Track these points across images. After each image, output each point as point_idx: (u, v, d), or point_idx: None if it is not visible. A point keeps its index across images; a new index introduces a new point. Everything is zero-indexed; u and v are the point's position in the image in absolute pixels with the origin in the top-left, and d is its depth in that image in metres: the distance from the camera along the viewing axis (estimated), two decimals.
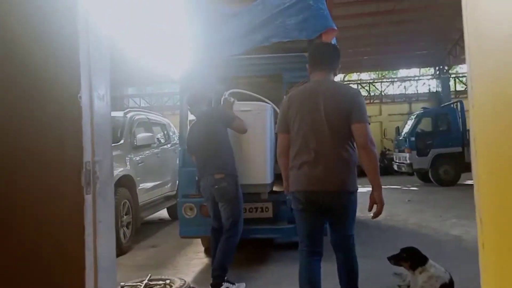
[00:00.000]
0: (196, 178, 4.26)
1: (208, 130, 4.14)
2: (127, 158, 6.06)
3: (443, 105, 16.22)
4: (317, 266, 2.89)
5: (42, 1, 1.27)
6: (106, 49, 1.44)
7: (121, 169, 5.73)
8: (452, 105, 13.91)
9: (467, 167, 12.38)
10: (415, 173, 13.38)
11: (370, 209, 2.86)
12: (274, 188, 4.84)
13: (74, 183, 1.19)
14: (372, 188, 2.82)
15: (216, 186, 3.99)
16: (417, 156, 12.58)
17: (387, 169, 16.56)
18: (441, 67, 20.49)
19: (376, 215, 2.82)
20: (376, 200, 2.80)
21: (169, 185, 7.62)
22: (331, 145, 2.72)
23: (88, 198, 1.22)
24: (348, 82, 23.02)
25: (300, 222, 2.94)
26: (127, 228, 5.77)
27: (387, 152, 17.64)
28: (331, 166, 2.72)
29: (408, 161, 12.78)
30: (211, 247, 4.33)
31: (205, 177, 4.10)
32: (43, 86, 1.23)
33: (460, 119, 12.70)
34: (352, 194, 2.82)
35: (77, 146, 1.20)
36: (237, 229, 4.06)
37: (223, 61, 5.02)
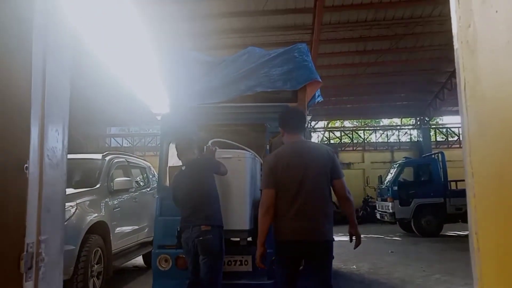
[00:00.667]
0: (178, 229, 4.06)
1: (197, 179, 4.03)
2: (102, 203, 5.82)
3: (424, 155, 16.42)
4: None
5: None
6: (66, 103, 1.29)
7: (95, 215, 5.48)
8: (433, 156, 14.07)
9: (449, 218, 12.41)
10: (397, 222, 13.28)
11: (351, 241, 3.37)
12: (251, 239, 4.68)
13: (12, 270, 1.02)
14: (351, 227, 3.34)
15: (201, 238, 3.83)
16: (399, 206, 12.54)
17: (369, 217, 16.44)
18: (421, 118, 20.94)
19: (357, 245, 3.33)
20: (354, 234, 3.34)
21: (146, 231, 7.33)
22: (316, 200, 3.09)
23: (28, 286, 1.04)
24: (331, 129, 23.29)
25: (281, 272, 3.20)
26: (98, 278, 5.44)
27: (370, 200, 17.57)
28: (317, 219, 3.07)
29: (391, 210, 12.72)
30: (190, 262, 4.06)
31: (189, 228, 3.92)
32: None
33: (442, 170, 12.81)
34: (332, 242, 3.19)
35: (19, 226, 1.03)
36: (217, 285, 3.89)
37: (206, 107, 4.96)
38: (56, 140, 1.20)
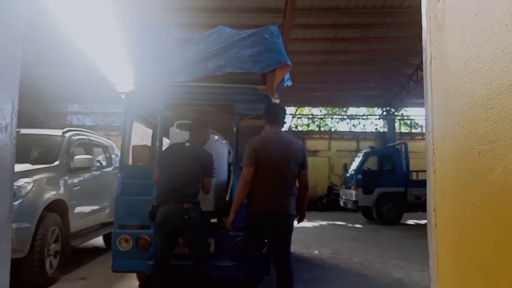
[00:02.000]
0: (154, 204, 4.01)
1: (194, 161, 4.09)
2: (61, 181, 5.63)
3: (388, 145, 16.81)
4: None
5: None
6: (16, 63, 1.19)
7: (53, 192, 5.30)
8: (397, 146, 14.43)
9: (409, 207, 12.83)
10: (360, 210, 13.60)
11: (297, 219, 4.03)
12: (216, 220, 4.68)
13: None
14: (302, 209, 4.03)
15: (186, 216, 3.88)
16: (363, 194, 12.83)
17: (333, 205, 16.76)
18: (388, 108, 21.38)
19: (300, 222, 4.11)
20: (302, 215, 4.07)
21: (107, 211, 7.17)
22: (287, 184, 3.74)
23: None
24: (300, 116, 23.45)
25: (250, 241, 3.79)
26: (55, 257, 5.29)
27: (334, 187, 17.90)
28: (285, 197, 3.73)
29: (354, 198, 13.00)
30: (155, 274, 4.03)
31: (170, 203, 3.91)
32: None
33: (404, 160, 13.17)
34: (294, 217, 3.90)
35: None
36: (208, 258, 4.12)
37: (173, 86, 4.84)
38: (5, 101, 1.11)
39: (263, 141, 3.83)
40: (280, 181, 3.70)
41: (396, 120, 22.05)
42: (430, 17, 0.97)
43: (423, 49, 1.11)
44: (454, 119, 0.84)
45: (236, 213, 3.75)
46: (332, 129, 22.35)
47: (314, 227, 11.71)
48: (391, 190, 12.76)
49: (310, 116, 23.98)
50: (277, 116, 3.94)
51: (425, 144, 1.06)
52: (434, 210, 0.95)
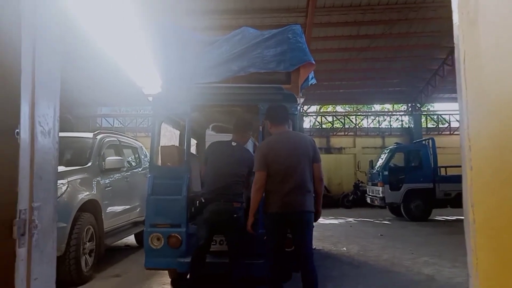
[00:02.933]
0: (201, 201, 4.24)
1: (241, 161, 4.32)
2: (93, 182, 5.80)
3: (415, 141, 16.54)
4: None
5: None
6: (57, 72, 1.26)
7: (87, 193, 5.47)
8: (424, 142, 14.19)
9: (438, 203, 12.61)
10: (387, 206, 13.46)
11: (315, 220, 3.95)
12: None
13: (5, 236, 1.01)
14: (318, 204, 3.94)
15: (235, 215, 4.13)
16: (389, 190, 12.70)
17: (360, 201, 16.63)
18: (413, 104, 21.01)
19: (316, 220, 3.96)
20: (319, 211, 3.96)
21: (138, 210, 7.34)
22: (301, 180, 3.72)
23: (22, 252, 1.04)
24: (323, 114, 23.31)
25: (270, 240, 3.80)
26: (90, 255, 5.46)
27: (361, 184, 17.73)
28: (301, 194, 3.70)
29: (381, 195, 12.86)
30: (193, 266, 4.25)
31: (220, 201, 4.14)
32: None
33: (432, 156, 12.94)
34: (312, 213, 3.83)
35: (11, 192, 1.02)
36: (242, 256, 4.27)
37: (199, 88, 4.92)
38: (47, 107, 1.18)
39: (270, 143, 3.87)
40: (292, 178, 3.69)
41: (422, 116, 21.63)
42: (463, 13, 0.98)
43: (455, 45, 1.11)
44: (490, 115, 0.85)
45: (255, 217, 3.84)
46: (357, 126, 22.11)
47: (341, 224, 11.64)
48: (419, 187, 12.58)
49: (334, 113, 23.79)
50: (280, 116, 3.97)
51: (460, 140, 1.06)
52: (472, 207, 0.96)
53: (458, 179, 12.57)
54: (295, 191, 3.68)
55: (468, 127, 0.97)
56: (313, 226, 3.88)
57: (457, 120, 21.08)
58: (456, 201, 12.29)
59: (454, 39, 1.09)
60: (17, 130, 1.05)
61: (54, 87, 1.28)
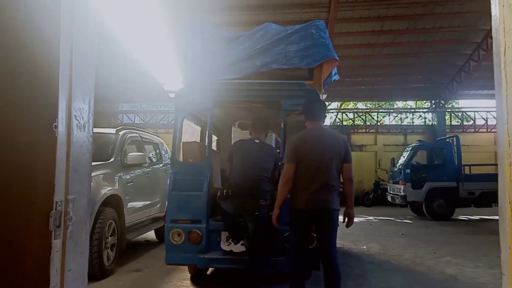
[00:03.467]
0: (228, 192, 4.37)
1: (266, 157, 4.48)
2: (116, 177, 5.88)
3: (438, 139, 16.24)
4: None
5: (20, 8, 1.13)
6: (92, 69, 1.29)
7: (109, 188, 5.55)
8: (448, 140, 13.92)
9: (461, 202, 12.36)
10: (408, 205, 13.26)
11: (344, 220, 3.86)
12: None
13: (41, 227, 1.04)
14: (349, 207, 3.85)
15: (257, 213, 4.24)
16: (411, 189, 12.50)
17: (380, 200, 16.45)
18: (437, 101, 20.61)
19: (349, 226, 3.88)
20: (351, 214, 3.84)
21: (158, 206, 7.42)
22: (330, 178, 3.67)
23: (57, 243, 1.06)
24: (345, 111, 23.09)
25: (294, 236, 3.80)
26: (111, 250, 5.54)
27: (381, 182, 17.53)
28: (328, 192, 3.67)
29: (402, 193, 12.68)
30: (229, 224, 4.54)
31: (247, 197, 4.28)
32: (12, 112, 1.08)
33: (456, 154, 12.68)
34: (338, 212, 3.79)
35: (48, 183, 1.04)
36: (264, 250, 4.38)
37: (221, 84, 4.93)
38: (83, 101, 1.20)
39: (303, 137, 3.81)
40: (321, 176, 3.65)
41: (446, 113, 21.21)
42: (504, 5, 0.95)
43: (493, 39, 1.08)
44: None
45: (280, 209, 3.79)
46: (379, 123, 21.82)
47: (361, 222, 11.53)
48: (442, 185, 12.35)
49: (355, 110, 23.55)
50: (316, 112, 3.91)
51: (497, 136, 1.03)
52: (510, 203, 0.93)
53: (483, 177, 12.30)
54: (323, 188, 3.65)
55: (508, 121, 0.94)
56: (338, 225, 3.86)
57: (482, 118, 20.62)
58: (480, 200, 12.02)
59: (493, 32, 1.06)
60: (55, 124, 1.07)
61: (89, 81, 1.31)
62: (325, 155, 3.68)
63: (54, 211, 1.07)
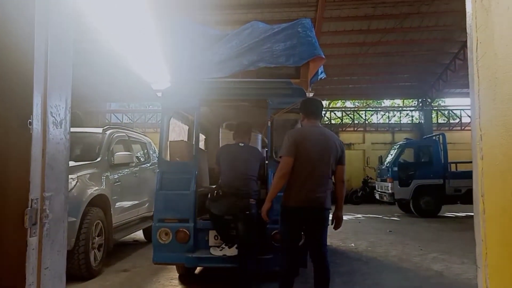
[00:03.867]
0: (218, 192, 4.58)
1: (253, 160, 4.58)
2: (103, 177, 5.83)
3: (425, 137, 16.40)
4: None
5: None
6: (69, 64, 1.27)
7: (96, 188, 5.50)
8: (434, 138, 14.07)
9: (448, 200, 12.51)
10: (396, 203, 13.38)
11: (332, 222, 3.88)
12: None
13: (16, 225, 1.02)
14: (339, 209, 3.88)
15: (248, 212, 4.31)
16: (399, 186, 12.62)
17: (368, 198, 16.57)
18: (424, 99, 20.82)
19: (337, 228, 3.90)
20: (340, 217, 3.89)
21: (146, 206, 7.37)
22: (324, 178, 3.68)
23: (33, 241, 1.05)
24: (333, 109, 23.20)
25: (286, 233, 3.75)
26: (99, 250, 5.50)
27: (369, 180, 17.65)
28: (321, 191, 3.65)
29: (390, 191, 12.79)
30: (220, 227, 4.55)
31: (238, 196, 4.37)
32: None
33: (442, 152, 12.83)
34: (329, 210, 3.78)
35: (23, 181, 1.03)
36: (256, 244, 4.42)
37: (208, 82, 4.92)
38: (59, 98, 1.19)
39: (303, 133, 3.78)
40: (317, 174, 3.64)
41: (433, 111, 21.43)
42: (476, 1, 0.96)
43: (467, 34, 1.10)
44: (503, 103, 0.84)
45: (271, 202, 3.75)
46: (367, 122, 21.96)
47: (350, 220, 11.61)
48: (429, 182, 12.49)
49: (343, 109, 23.67)
50: (315, 110, 3.90)
51: (471, 130, 1.05)
52: (482, 196, 0.95)
53: (468, 175, 12.38)
54: (317, 187, 3.63)
55: (480, 116, 0.96)
56: (328, 224, 3.86)
57: (468, 116, 20.85)
58: (466, 197, 12.18)
59: (467, 28, 1.07)
60: (29, 120, 1.06)
61: (66, 78, 1.30)
62: (324, 154, 3.65)
63: (29, 208, 1.06)
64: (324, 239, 3.79)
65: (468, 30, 1.08)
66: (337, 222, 3.88)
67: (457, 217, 12.72)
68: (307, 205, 3.63)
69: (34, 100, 1.08)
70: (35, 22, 1.09)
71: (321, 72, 6.38)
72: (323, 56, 5.23)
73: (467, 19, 1.03)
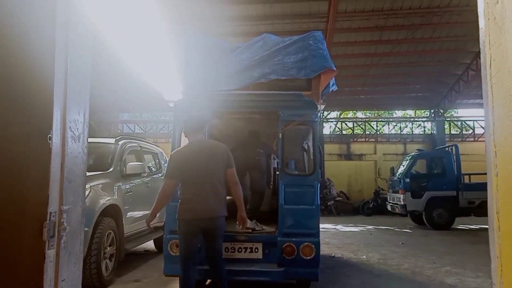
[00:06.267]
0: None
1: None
2: (115, 187, 5.88)
3: (438, 148, 16.24)
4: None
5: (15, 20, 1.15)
6: (87, 80, 1.31)
7: (108, 198, 5.54)
8: (447, 149, 13.92)
9: (461, 212, 12.33)
10: (408, 214, 13.23)
11: (238, 223, 4.16)
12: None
13: (35, 237, 1.05)
14: (240, 210, 4.11)
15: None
16: (411, 198, 12.47)
17: (380, 209, 16.41)
18: (436, 110, 20.67)
19: (244, 227, 4.19)
20: (243, 218, 4.12)
21: (157, 216, 7.38)
22: (214, 187, 3.89)
23: (51, 253, 1.07)
24: (344, 120, 23.14)
25: (184, 244, 3.93)
26: (110, 260, 5.52)
27: (381, 191, 17.50)
28: (213, 201, 3.88)
29: (402, 203, 12.64)
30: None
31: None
32: (5, 122, 1.09)
33: (455, 163, 12.68)
34: (224, 217, 3.99)
35: (42, 194, 1.06)
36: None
37: (220, 94, 4.96)
38: (78, 112, 1.22)
39: (184, 151, 4.02)
40: (208, 185, 3.86)
41: (445, 122, 21.25)
42: (489, 19, 0.97)
43: (481, 51, 1.10)
44: None
45: (155, 216, 4.12)
46: (378, 132, 21.84)
47: (361, 231, 11.50)
48: (442, 194, 12.32)
49: (354, 119, 23.59)
50: (192, 125, 4.08)
51: (486, 146, 1.04)
52: (497, 213, 0.94)
53: (482, 186, 12.25)
54: (210, 197, 3.85)
55: (494, 132, 0.96)
56: (224, 231, 4.08)
57: (481, 127, 20.63)
58: (480, 210, 11.98)
59: (480, 44, 1.08)
60: (49, 135, 1.09)
61: (84, 93, 1.33)
62: (209, 165, 3.89)
63: (48, 221, 1.08)
64: (220, 246, 4.05)
65: (481, 46, 1.08)
66: (242, 222, 4.11)
67: (470, 229, 12.52)
68: (199, 216, 3.83)
69: (54, 115, 1.11)
70: (55, 42, 1.13)
71: (333, 84, 6.39)
72: (335, 69, 5.24)
73: (480, 35, 1.04)
